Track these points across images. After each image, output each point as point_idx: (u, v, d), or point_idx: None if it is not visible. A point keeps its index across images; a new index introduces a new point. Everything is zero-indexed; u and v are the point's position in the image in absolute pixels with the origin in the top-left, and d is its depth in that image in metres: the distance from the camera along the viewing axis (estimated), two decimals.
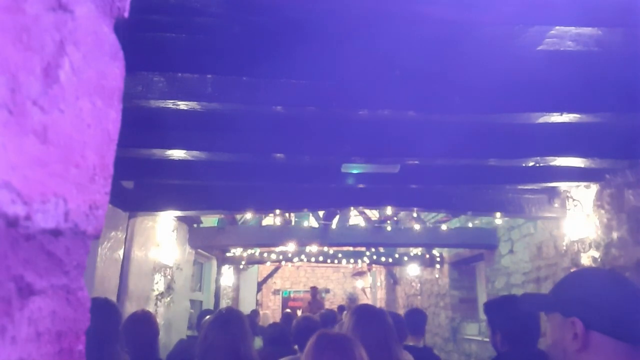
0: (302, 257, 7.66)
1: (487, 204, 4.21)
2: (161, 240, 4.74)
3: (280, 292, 14.38)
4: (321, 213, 5.91)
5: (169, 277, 4.99)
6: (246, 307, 8.47)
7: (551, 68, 2.11)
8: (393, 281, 10.45)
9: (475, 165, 3.30)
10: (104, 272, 3.62)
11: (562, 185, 3.84)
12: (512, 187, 3.92)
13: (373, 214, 7.17)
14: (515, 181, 3.56)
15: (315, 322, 2.65)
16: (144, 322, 2.37)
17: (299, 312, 8.92)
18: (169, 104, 2.16)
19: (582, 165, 3.04)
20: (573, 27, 1.87)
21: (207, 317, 3.06)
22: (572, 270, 1.74)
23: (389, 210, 4.89)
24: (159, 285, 4.74)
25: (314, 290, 10.00)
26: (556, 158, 2.90)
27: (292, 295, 14.29)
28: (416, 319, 3.19)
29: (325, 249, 7.63)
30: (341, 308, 8.27)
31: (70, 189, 0.33)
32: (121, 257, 3.94)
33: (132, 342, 2.22)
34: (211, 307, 6.63)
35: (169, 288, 5.02)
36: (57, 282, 0.32)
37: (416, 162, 3.01)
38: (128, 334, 2.25)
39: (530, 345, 1.83)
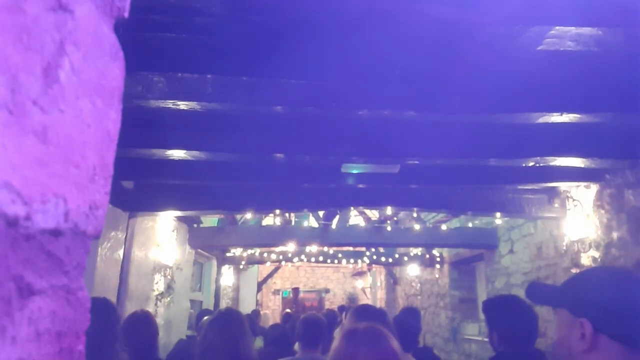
0: (302, 257, 7.66)
1: (487, 204, 4.21)
2: (161, 240, 4.74)
3: (280, 292, 14.38)
4: (321, 213, 5.91)
5: (169, 277, 4.99)
6: (246, 307, 8.47)
7: (551, 68, 2.11)
8: (393, 281, 10.45)
9: (475, 165, 3.30)
10: (104, 272, 3.62)
11: (562, 185, 3.84)
12: (512, 187, 3.91)
13: (373, 214, 7.16)
14: (515, 181, 3.56)
15: (321, 320, 2.64)
16: (144, 322, 2.37)
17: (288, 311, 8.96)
18: (169, 104, 2.16)
19: (582, 165, 3.04)
20: (573, 27, 1.87)
21: (205, 317, 3.06)
22: (587, 268, 1.72)
23: (389, 210, 4.89)
24: (159, 285, 4.74)
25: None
26: (556, 158, 2.90)
27: (291, 295, 14.29)
28: (411, 318, 3.16)
29: (325, 249, 7.63)
30: (342, 308, 8.27)
31: (70, 189, 0.33)
32: (121, 257, 3.94)
33: (132, 342, 2.22)
34: (211, 307, 6.63)
35: (169, 288, 5.02)
36: (57, 282, 0.32)
37: (416, 162, 3.01)
38: (127, 334, 2.24)
39: (526, 345, 1.83)
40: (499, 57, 2.08)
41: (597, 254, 3.62)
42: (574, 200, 3.93)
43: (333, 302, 13.88)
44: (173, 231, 5.11)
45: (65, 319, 0.33)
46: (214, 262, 7.29)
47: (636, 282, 0.93)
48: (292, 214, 7.29)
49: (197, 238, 5.73)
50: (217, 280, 7.35)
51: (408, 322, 2.73)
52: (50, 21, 0.32)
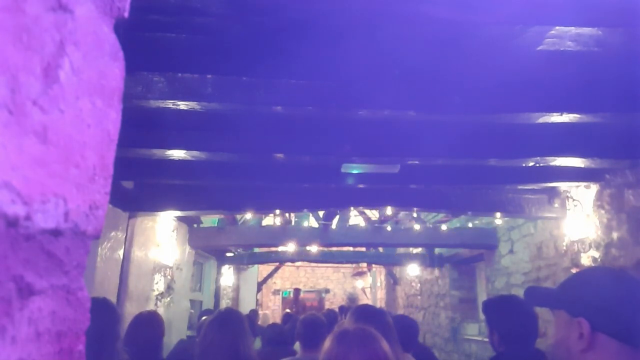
0: (302, 257, 7.66)
1: (487, 204, 4.21)
2: (161, 240, 4.74)
3: (280, 292, 14.39)
4: (321, 213, 5.91)
5: (169, 277, 4.99)
6: (246, 307, 8.47)
7: (551, 68, 2.11)
8: (393, 281, 10.45)
9: (475, 165, 3.30)
10: (104, 272, 3.62)
11: (562, 185, 3.84)
12: (512, 187, 3.91)
13: (373, 214, 7.16)
14: (515, 181, 3.56)
15: (321, 320, 2.64)
16: (149, 322, 2.39)
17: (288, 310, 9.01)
18: (169, 104, 2.16)
19: (582, 165, 3.04)
20: (573, 27, 1.87)
21: (204, 317, 3.06)
22: (582, 269, 1.71)
23: (389, 210, 4.89)
24: (159, 285, 4.74)
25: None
26: (556, 158, 2.90)
27: (292, 295, 14.30)
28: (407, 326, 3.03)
29: (325, 249, 7.63)
30: (342, 308, 8.26)
31: (70, 189, 0.33)
32: (121, 257, 3.94)
33: (136, 342, 2.23)
34: (211, 307, 6.63)
35: (169, 288, 5.02)
36: (57, 282, 0.32)
37: (416, 162, 3.01)
38: (133, 334, 2.26)
39: (527, 345, 1.83)
40: (499, 57, 2.08)
41: (597, 254, 3.62)
42: (574, 200, 3.93)
43: (333, 302, 13.88)
44: (173, 231, 5.11)
45: (65, 319, 0.33)
46: (214, 262, 7.29)
47: (631, 280, 0.93)
48: (292, 214, 7.29)
49: (197, 238, 5.73)
50: (217, 280, 7.35)
51: (407, 322, 2.73)
52: (50, 21, 0.32)
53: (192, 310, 6.19)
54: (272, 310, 13.21)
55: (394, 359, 1.32)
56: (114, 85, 0.40)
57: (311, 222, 7.03)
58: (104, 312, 1.88)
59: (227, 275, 7.95)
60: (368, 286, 13.57)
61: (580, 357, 0.90)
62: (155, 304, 4.62)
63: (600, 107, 2.25)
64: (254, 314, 6.87)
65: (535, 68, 2.10)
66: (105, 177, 0.38)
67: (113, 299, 3.62)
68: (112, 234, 3.75)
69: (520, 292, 4.51)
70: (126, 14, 0.41)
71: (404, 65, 2.13)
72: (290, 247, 6.48)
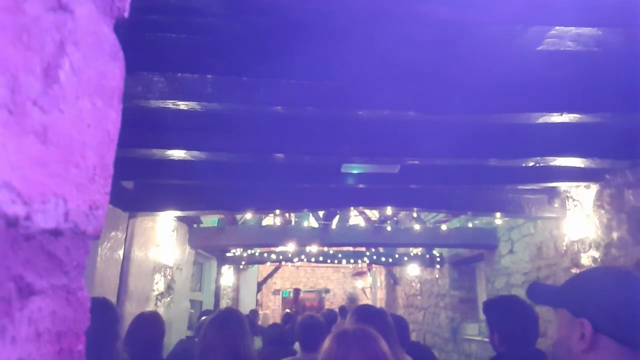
0: (302, 257, 7.66)
1: (487, 204, 4.21)
2: (161, 240, 4.74)
3: (280, 292, 14.39)
4: (321, 213, 5.91)
5: (169, 277, 4.99)
6: (246, 307, 8.47)
7: (551, 68, 2.11)
8: (393, 281, 10.45)
9: (475, 165, 3.30)
10: (104, 272, 3.62)
11: (562, 185, 3.84)
12: (512, 187, 3.91)
13: (373, 214, 7.17)
14: (515, 181, 3.56)
15: (320, 321, 2.64)
16: (150, 322, 2.39)
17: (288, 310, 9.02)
18: (169, 104, 2.16)
19: (582, 165, 3.04)
20: (573, 27, 1.87)
21: (204, 317, 3.06)
22: (587, 268, 1.71)
23: (389, 210, 4.89)
24: (159, 285, 4.74)
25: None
26: (556, 158, 2.90)
27: (292, 295, 14.30)
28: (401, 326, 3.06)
29: (325, 249, 7.63)
30: (342, 309, 8.26)
31: (70, 189, 0.33)
32: (121, 257, 3.94)
33: (137, 342, 2.23)
34: (211, 307, 6.63)
35: (169, 288, 5.02)
36: (57, 282, 0.32)
37: (416, 162, 3.01)
38: (133, 334, 2.26)
39: (527, 345, 1.83)
40: (499, 57, 2.08)
41: (597, 254, 3.62)
42: (574, 200, 3.93)
43: (333, 302, 13.88)
44: (173, 231, 5.10)
45: (65, 319, 0.33)
46: (214, 262, 7.29)
47: (636, 282, 0.92)
48: (292, 214, 7.29)
49: (197, 238, 5.73)
50: (217, 280, 7.35)
51: (397, 320, 2.74)
52: (50, 21, 0.32)
53: (192, 310, 6.19)
54: (272, 310, 13.21)
55: (393, 359, 1.32)
56: (114, 85, 0.40)
57: (311, 222, 7.03)
58: (104, 312, 1.88)
59: (227, 275, 7.95)
60: (368, 286, 13.57)
61: (581, 357, 0.90)
62: (155, 304, 4.62)
63: (600, 107, 2.25)
64: (254, 314, 6.87)
65: (536, 68, 2.10)
66: (105, 177, 0.38)
67: (113, 299, 3.62)
68: (112, 234, 3.75)
69: (520, 292, 4.50)
70: (126, 14, 0.41)
71: (404, 65, 2.13)
72: (290, 247, 6.48)
